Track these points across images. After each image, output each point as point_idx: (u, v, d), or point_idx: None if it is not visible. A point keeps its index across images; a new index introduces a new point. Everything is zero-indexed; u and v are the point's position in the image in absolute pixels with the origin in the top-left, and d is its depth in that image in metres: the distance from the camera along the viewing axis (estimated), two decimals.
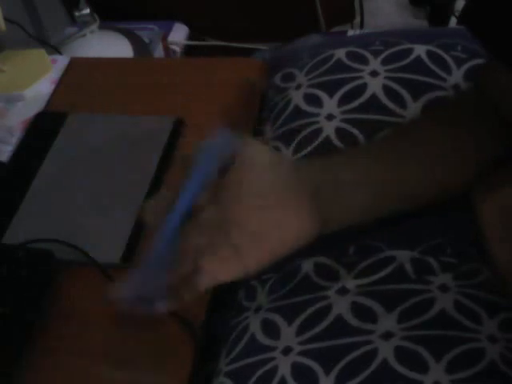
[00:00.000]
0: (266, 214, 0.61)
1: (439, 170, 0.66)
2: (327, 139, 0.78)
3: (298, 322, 0.64)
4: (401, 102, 0.78)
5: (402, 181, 0.66)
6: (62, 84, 1.02)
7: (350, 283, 0.66)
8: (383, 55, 0.83)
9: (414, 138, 0.67)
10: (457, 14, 1.77)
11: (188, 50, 1.73)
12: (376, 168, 0.65)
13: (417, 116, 0.76)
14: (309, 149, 0.78)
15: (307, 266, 0.69)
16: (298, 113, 0.82)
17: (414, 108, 0.78)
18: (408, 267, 0.66)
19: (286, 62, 0.91)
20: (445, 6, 1.78)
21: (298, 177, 0.64)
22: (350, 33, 0.99)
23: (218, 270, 0.61)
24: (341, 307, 0.64)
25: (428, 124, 0.69)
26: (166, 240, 0.60)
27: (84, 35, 1.52)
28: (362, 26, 1.78)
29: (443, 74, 0.80)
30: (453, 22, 1.79)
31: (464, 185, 0.67)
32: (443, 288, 0.63)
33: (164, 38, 1.66)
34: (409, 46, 0.83)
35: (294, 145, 0.79)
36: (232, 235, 0.60)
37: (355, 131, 0.77)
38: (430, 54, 0.82)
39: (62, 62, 1.06)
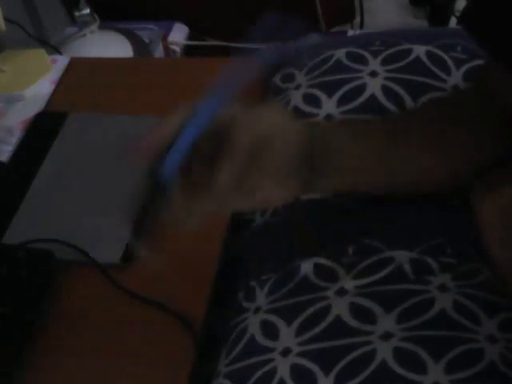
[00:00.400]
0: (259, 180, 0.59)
1: (429, 161, 0.66)
2: None
3: (297, 322, 0.64)
4: (400, 103, 0.78)
5: (391, 168, 0.66)
6: (61, 84, 1.02)
7: (349, 284, 0.66)
8: (383, 55, 0.83)
9: (412, 127, 0.67)
10: (457, 14, 1.77)
11: (188, 50, 1.73)
12: (370, 152, 0.65)
13: (417, 109, 0.76)
14: None
15: (306, 266, 0.69)
16: (297, 113, 0.82)
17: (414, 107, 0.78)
18: (407, 267, 0.66)
19: (286, 62, 0.91)
20: (445, 6, 1.78)
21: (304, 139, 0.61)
22: (350, 33, 1.00)
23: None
24: (340, 308, 0.64)
25: (427, 119, 0.69)
26: (179, 152, 0.57)
27: (84, 35, 1.52)
28: (361, 26, 1.78)
29: (443, 75, 0.80)
30: (453, 22, 1.79)
31: (457, 182, 0.67)
32: (442, 288, 0.63)
33: (164, 38, 1.66)
34: (408, 46, 0.83)
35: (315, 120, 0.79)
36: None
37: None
38: (429, 54, 0.82)
39: (61, 62, 1.06)
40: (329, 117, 0.80)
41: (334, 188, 0.66)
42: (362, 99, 0.80)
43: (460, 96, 0.76)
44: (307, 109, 0.81)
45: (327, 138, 0.63)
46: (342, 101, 0.80)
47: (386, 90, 0.80)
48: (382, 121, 0.70)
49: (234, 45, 1.73)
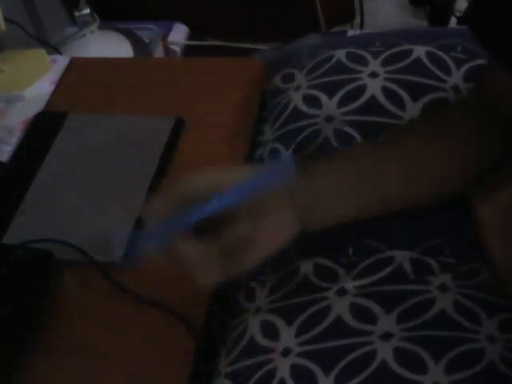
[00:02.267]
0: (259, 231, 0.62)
1: (426, 182, 0.66)
2: (326, 141, 0.78)
3: (297, 323, 0.64)
4: (400, 104, 0.78)
5: (384, 196, 0.66)
6: (61, 84, 1.02)
7: (349, 284, 0.66)
8: (383, 56, 0.83)
9: (406, 147, 0.67)
10: (457, 14, 1.77)
11: (188, 50, 1.73)
12: (360, 181, 0.65)
13: (416, 118, 0.76)
14: (308, 150, 0.78)
15: (306, 267, 0.69)
16: (298, 114, 0.82)
17: (413, 109, 0.78)
18: (407, 267, 0.66)
19: (286, 62, 0.91)
20: (445, 6, 1.78)
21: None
22: (350, 33, 0.99)
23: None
24: (340, 308, 0.64)
25: (426, 127, 0.69)
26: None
27: (84, 35, 1.52)
28: (362, 26, 1.78)
29: (443, 75, 0.80)
30: (453, 22, 1.79)
31: (456, 190, 0.67)
32: (442, 288, 0.63)
33: (164, 38, 1.65)
34: (408, 46, 0.83)
35: (293, 146, 0.79)
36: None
37: (354, 133, 0.77)
38: (429, 54, 0.82)
39: (61, 62, 1.06)
40: (329, 118, 0.80)
41: (329, 221, 0.66)
42: (362, 100, 0.79)
43: (460, 99, 0.76)
44: (308, 110, 0.81)
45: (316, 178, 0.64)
46: (342, 102, 0.80)
47: (386, 90, 0.80)
48: (367, 151, 0.69)
49: (233, 45, 1.73)
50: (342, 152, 0.73)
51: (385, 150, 0.67)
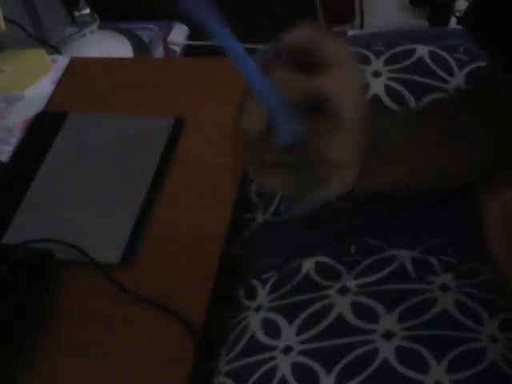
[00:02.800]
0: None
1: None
2: None
3: (298, 321, 0.64)
4: (403, 103, 0.78)
5: (448, 156, 0.64)
6: (61, 84, 1.02)
7: (351, 282, 0.66)
8: (385, 56, 0.83)
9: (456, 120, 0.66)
10: (457, 14, 1.77)
11: (188, 50, 1.73)
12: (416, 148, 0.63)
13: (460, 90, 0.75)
14: None
15: (308, 265, 0.69)
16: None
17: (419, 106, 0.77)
18: (409, 267, 0.66)
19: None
20: (445, 6, 1.78)
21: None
22: (350, 33, 0.99)
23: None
24: (341, 307, 0.64)
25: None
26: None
27: (84, 35, 1.52)
28: (362, 26, 1.78)
29: (445, 76, 0.80)
30: (453, 22, 1.79)
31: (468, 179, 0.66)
32: (444, 288, 0.63)
33: (164, 38, 1.65)
34: (411, 46, 0.83)
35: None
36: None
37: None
38: (432, 55, 0.82)
39: (62, 62, 1.05)
40: None
41: (385, 181, 0.63)
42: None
43: (461, 98, 0.76)
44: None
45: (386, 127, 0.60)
46: None
47: (389, 90, 0.79)
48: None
49: None
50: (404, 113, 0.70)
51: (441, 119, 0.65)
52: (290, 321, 0.64)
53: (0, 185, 0.88)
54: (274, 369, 0.61)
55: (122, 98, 0.98)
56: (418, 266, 0.66)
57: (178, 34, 1.71)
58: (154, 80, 1.00)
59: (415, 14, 1.85)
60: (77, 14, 1.51)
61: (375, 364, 0.58)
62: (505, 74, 0.62)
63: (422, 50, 0.82)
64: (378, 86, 0.80)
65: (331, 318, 0.63)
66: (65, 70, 1.04)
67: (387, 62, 0.82)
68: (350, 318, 0.62)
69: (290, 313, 0.65)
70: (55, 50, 1.27)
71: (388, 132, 0.60)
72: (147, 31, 1.65)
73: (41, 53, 1.06)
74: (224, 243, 0.78)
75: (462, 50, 0.82)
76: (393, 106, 0.78)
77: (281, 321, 0.65)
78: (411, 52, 0.83)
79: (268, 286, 0.69)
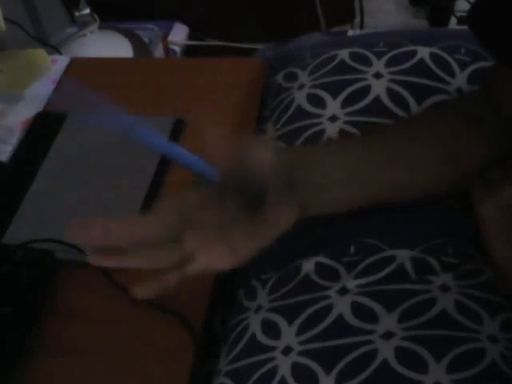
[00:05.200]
0: (259, 216, 0.62)
1: (429, 174, 0.67)
2: (330, 140, 0.77)
3: (298, 321, 0.64)
4: (404, 105, 0.78)
5: (389, 183, 0.66)
6: (61, 84, 1.02)
7: (351, 283, 0.66)
8: (387, 57, 0.83)
9: (409, 137, 0.67)
10: (457, 14, 1.77)
11: (188, 50, 1.73)
12: (364, 168, 0.66)
13: (416, 114, 0.76)
14: None
15: (308, 265, 0.69)
16: (301, 113, 0.82)
17: (417, 111, 0.77)
18: (409, 267, 0.66)
19: (288, 60, 0.91)
20: (445, 6, 1.78)
21: (284, 166, 0.64)
22: (350, 33, 0.99)
23: (213, 263, 0.63)
24: (341, 307, 0.64)
25: (426, 124, 0.69)
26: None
27: (84, 35, 1.52)
28: (362, 26, 1.78)
29: (447, 77, 0.80)
30: (453, 22, 1.79)
31: (454, 188, 0.67)
32: (444, 288, 0.63)
33: (164, 38, 1.65)
34: (412, 47, 0.83)
35: (296, 145, 0.79)
36: (228, 235, 0.61)
37: (358, 134, 0.77)
38: (433, 56, 0.82)
39: (61, 62, 1.05)
40: (334, 117, 0.79)
41: (330, 207, 0.67)
42: (366, 101, 0.79)
43: (460, 99, 0.76)
44: (311, 109, 0.81)
45: (308, 156, 0.65)
46: (346, 102, 0.80)
47: (390, 92, 0.79)
48: (373, 140, 0.70)
49: (234, 45, 1.73)
50: (346, 139, 0.73)
51: (393, 139, 0.67)
52: (290, 321, 0.65)
53: (0, 185, 0.88)
54: (273, 369, 0.61)
55: (121, 98, 0.98)
56: (417, 267, 0.66)
57: (178, 34, 1.71)
58: (154, 80, 1.00)
59: (415, 14, 1.85)
60: (77, 14, 1.51)
61: (375, 364, 0.58)
62: (507, 74, 0.62)
63: (423, 52, 0.82)
64: (379, 88, 0.80)
65: (331, 318, 0.63)
66: (65, 70, 1.04)
67: (388, 63, 0.82)
68: (350, 319, 0.63)
69: (289, 313, 0.65)
70: (55, 49, 1.27)
71: (324, 161, 0.65)
72: (147, 31, 1.64)
73: (41, 53, 1.06)
74: None
75: (463, 50, 0.82)
76: (394, 108, 0.78)
77: (281, 321, 0.65)
78: (412, 53, 0.83)
79: (268, 287, 0.69)
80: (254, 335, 0.65)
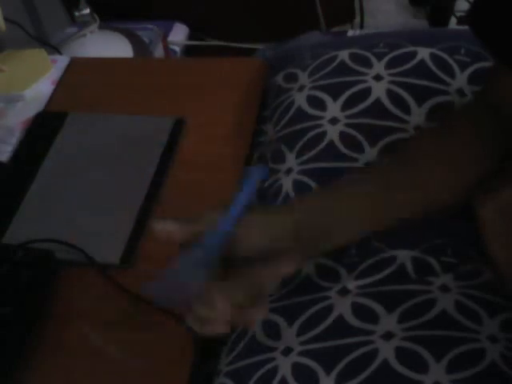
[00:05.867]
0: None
1: (430, 191, 0.66)
2: (331, 143, 0.77)
3: (298, 322, 0.64)
4: (405, 107, 0.78)
5: (389, 209, 0.65)
6: (61, 84, 1.02)
7: (351, 284, 0.66)
8: (387, 58, 0.83)
9: (405, 162, 0.67)
10: (457, 14, 1.77)
11: (188, 50, 1.73)
12: (364, 201, 0.65)
13: (416, 134, 0.76)
14: (313, 152, 0.78)
15: (308, 266, 0.69)
16: (302, 115, 0.81)
17: (417, 113, 0.77)
18: (409, 267, 0.66)
19: (288, 61, 0.90)
20: (445, 6, 1.78)
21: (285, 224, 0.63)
22: (350, 33, 0.99)
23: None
24: (342, 308, 0.64)
25: (425, 141, 0.69)
26: (205, 253, 0.59)
27: (84, 35, 1.52)
28: (361, 26, 1.78)
29: (447, 79, 0.80)
30: (453, 22, 1.79)
31: (457, 199, 0.67)
32: (444, 288, 0.63)
33: (164, 38, 1.65)
34: (412, 48, 0.83)
35: (297, 148, 0.79)
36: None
37: (359, 136, 0.77)
38: (433, 57, 0.82)
39: (62, 62, 1.05)
40: (334, 120, 0.79)
41: (335, 247, 0.66)
42: (367, 103, 0.79)
43: (460, 108, 0.76)
44: (312, 111, 0.81)
45: (311, 211, 0.64)
46: (346, 104, 0.80)
47: (390, 93, 0.79)
48: (367, 173, 0.69)
49: (234, 45, 1.73)
50: (348, 178, 0.71)
51: (394, 173, 0.66)
52: (291, 322, 0.65)
53: (0, 185, 0.88)
54: (274, 369, 0.61)
55: (122, 98, 0.98)
56: (417, 267, 0.66)
57: (178, 34, 1.71)
58: (154, 80, 1.00)
59: (415, 14, 1.85)
60: (77, 14, 1.51)
61: (375, 364, 0.58)
62: (507, 74, 0.62)
63: (423, 53, 0.82)
64: (379, 90, 0.80)
65: (331, 318, 0.63)
66: (65, 70, 1.04)
67: (389, 64, 0.82)
68: (350, 319, 0.63)
69: (290, 314, 0.65)
70: (55, 49, 1.27)
71: (324, 208, 0.64)
72: (147, 31, 1.64)
73: (41, 53, 1.06)
74: None
75: (463, 51, 0.82)
76: (394, 109, 0.78)
77: (281, 322, 0.65)
78: (412, 55, 0.82)
79: None
80: (254, 335, 0.65)
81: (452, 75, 0.80)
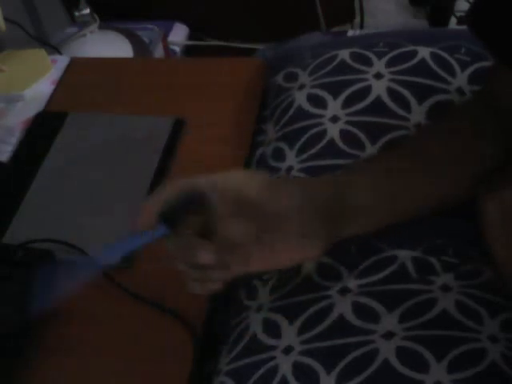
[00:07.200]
0: (280, 239, 0.61)
1: (437, 185, 0.66)
2: (332, 141, 0.77)
3: (299, 321, 0.64)
4: (405, 105, 0.78)
5: (400, 199, 0.66)
6: (61, 84, 1.02)
7: (352, 283, 0.66)
8: (387, 57, 0.83)
9: (413, 154, 0.67)
10: (457, 14, 1.77)
11: (188, 50, 1.73)
12: (376, 193, 0.65)
13: (416, 131, 0.76)
14: (313, 151, 0.78)
15: (309, 265, 0.69)
16: (302, 114, 0.81)
17: (418, 111, 0.77)
18: (410, 267, 0.66)
19: (288, 60, 0.90)
20: (445, 6, 1.78)
21: (308, 199, 0.62)
22: (350, 33, 0.99)
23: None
24: (342, 307, 0.64)
25: (426, 138, 0.69)
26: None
27: (84, 35, 1.52)
28: (361, 26, 1.78)
29: (448, 77, 0.80)
30: (453, 22, 1.79)
31: (461, 196, 0.67)
32: (445, 288, 0.63)
33: (164, 38, 1.65)
34: (413, 47, 0.83)
35: (297, 146, 0.79)
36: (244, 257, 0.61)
37: (360, 134, 0.77)
38: (434, 56, 0.82)
39: (62, 62, 1.05)
40: (335, 118, 0.79)
41: (357, 232, 0.65)
42: (367, 101, 0.79)
43: (460, 106, 0.76)
44: (312, 110, 0.81)
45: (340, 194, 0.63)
46: (347, 102, 0.80)
47: (391, 92, 0.79)
48: (379, 162, 0.68)
49: (234, 45, 1.73)
50: (367, 162, 0.71)
51: (409, 160, 0.66)
52: (291, 321, 0.64)
53: (0, 185, 0.88)
54: (274, 368, 0.61)
55: (122, 98, 0.98)
56: (418, 267, 0.66)
57: (178, 34, 1.71)
58: (154, 80, 1.00)
59: (415, 14, 1.85)
60: (77, 14, 1.51)
61: (376, 364, 0.58)
62: (507, 74, 0.62)
63: (424, 52, 0.82)
64: (380, 88, 0.80)
65: (332, 318, 0.63)
66: (65, 70, 1.04)
67: (389, 63, 0.82)
68: (351, 319, 0.63)
69: (290, 313, 0.65)
70: (55, 49, 1.27)
71: (343, 195, 0.63)
72: (147, 31, 1.64)
73: (41, 53, 1.06)
74: None
75: (463, 50, 0.82)
76: (395, 107, 0.78)
77: (281, 321, 0.65)
78: (413, 53, 0.82)
79: (269, 287, 0.69)
80: (254, 334, 0.65)
81: (452, 74, 0.80)
